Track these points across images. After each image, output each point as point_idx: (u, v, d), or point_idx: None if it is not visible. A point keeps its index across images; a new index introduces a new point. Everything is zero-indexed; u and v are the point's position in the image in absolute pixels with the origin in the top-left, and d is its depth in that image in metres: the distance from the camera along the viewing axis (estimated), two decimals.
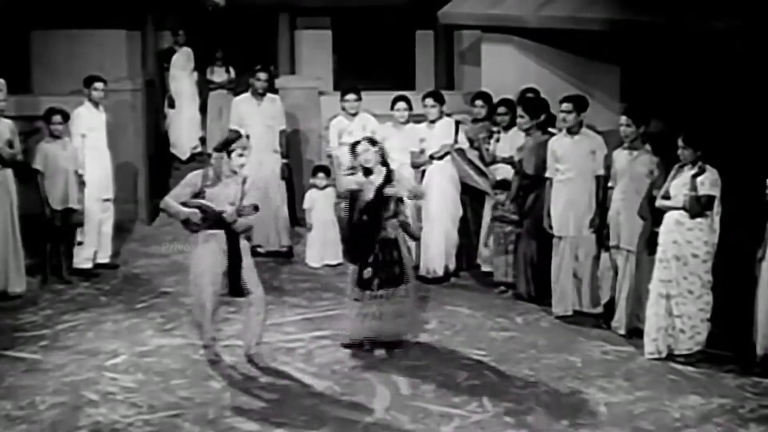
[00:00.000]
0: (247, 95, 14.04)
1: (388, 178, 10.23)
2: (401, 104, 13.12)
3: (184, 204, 9.76)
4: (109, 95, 13.32)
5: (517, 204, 12.12)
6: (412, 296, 10.52)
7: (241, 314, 10.49)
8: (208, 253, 9.83)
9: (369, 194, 10.15)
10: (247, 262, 9.96)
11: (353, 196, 10.22)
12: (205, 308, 10.00)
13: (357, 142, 10.52)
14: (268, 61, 16.90)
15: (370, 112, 13.55)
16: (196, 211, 9.71)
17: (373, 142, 10.49)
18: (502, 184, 12.37)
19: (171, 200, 9.84)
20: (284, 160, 13.91)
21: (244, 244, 9.98)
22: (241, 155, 9.82)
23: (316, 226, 13.50)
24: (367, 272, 10.19)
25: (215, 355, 10.20)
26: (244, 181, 9.95)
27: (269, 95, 13.99)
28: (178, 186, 9.96)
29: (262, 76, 13.91)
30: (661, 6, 12.15)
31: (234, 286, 9.91)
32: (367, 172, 10.26)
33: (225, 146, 9.92)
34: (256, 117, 13.78)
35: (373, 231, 10.15)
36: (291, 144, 14.59)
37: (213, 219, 9.72)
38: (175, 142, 17.51)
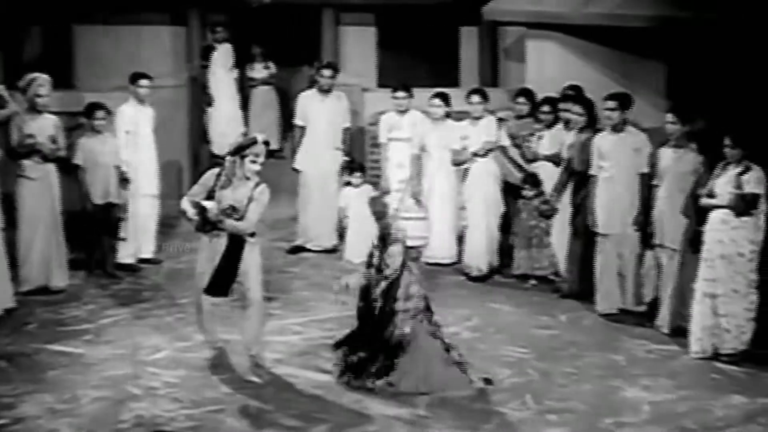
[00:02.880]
0: (312, 91, 14.02)
1: None
2: (436, 101, 13.15)
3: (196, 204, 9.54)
4: (153, 91, 13.35)
5: (555, 199, 12.18)
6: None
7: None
8: (211, 254, 9.57)
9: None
10: (253, 260, 9.59)
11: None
12: (200, 310, 9.91)
13: None
14: (312, 57, 16.96)
15: (420, 109, 13.51)
16: (195, 211, 9.50)
17: None
18: (531, 180, 12.43)
19: (185, 201, 9.65)
20: (345, 158, 13.89)
21: (252, 247, 9.56)
22: (253, 162, 9.46)
23: (353, 223, 13.42)
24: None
25: (221, 358, 10.04)
26: (255, 186, 9.51)
27: (335, 92, 13.88)
28: (196, 184, 9.77)
29: (326, 72, 13.85)
30: (708, 2, 12.06)
31: (212, 284, 9.55)
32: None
33: (238, 151, 9.54)
34: (319, 113, 13.76)
35: None
36: None
37: (203, 216, 9.46)
38: (213, 138, 17.49)
